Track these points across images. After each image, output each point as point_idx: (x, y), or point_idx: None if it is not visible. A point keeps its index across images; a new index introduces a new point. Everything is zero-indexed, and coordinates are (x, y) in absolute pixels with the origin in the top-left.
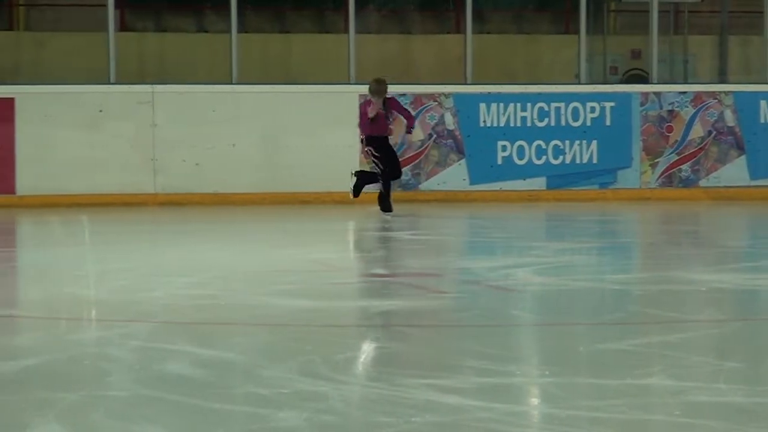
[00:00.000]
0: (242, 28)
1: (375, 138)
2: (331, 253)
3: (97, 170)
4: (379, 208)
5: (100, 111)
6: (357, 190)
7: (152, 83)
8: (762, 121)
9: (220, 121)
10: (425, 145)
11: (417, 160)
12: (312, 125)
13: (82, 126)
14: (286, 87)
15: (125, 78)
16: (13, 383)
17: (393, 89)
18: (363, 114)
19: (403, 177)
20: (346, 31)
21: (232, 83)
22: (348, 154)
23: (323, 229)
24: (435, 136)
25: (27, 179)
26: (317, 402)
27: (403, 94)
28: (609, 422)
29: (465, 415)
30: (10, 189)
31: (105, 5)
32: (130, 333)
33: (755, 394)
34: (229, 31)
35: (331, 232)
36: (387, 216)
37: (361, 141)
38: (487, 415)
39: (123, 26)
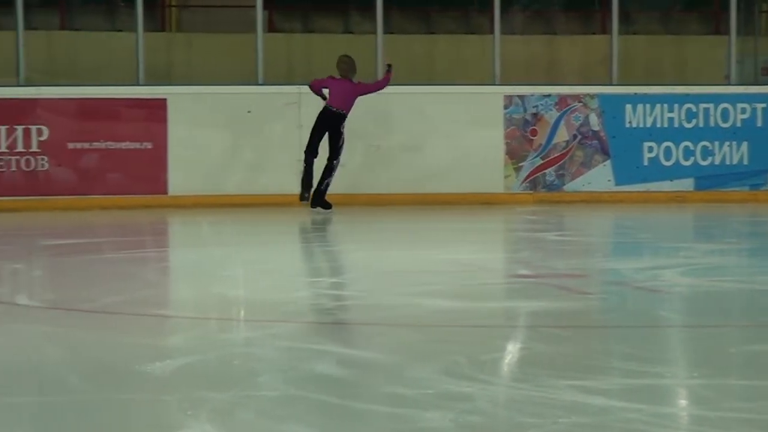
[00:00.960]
0: (388, 29)
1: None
2: (475, 254)
3: (245, 171)
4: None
5: (249, 112)
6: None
7: (299, 84)
8: None
9: (364, 122)
10: (570, 146)
11: (561, 161)
12: (456, 126)
13: (232, 126)
14: (430, 88)
15: (272, 79)
16: (166, 383)
17: (538, 90)
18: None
19: (547, 178)
20: (491, 32)
21: None
22: (492, 155)
23: (467, 230)
24: (580, 137)
25: (178, 180)
26: (463, 402)
27: (548, 95)
28: (760, 424)
29: (611, 416)
30: (163, 189)
31: (254, 6)
32: (277, 333)
33: None
34: (374, 32)
35: (475, 232)
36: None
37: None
38: (634, 416)
39: (271, 27)
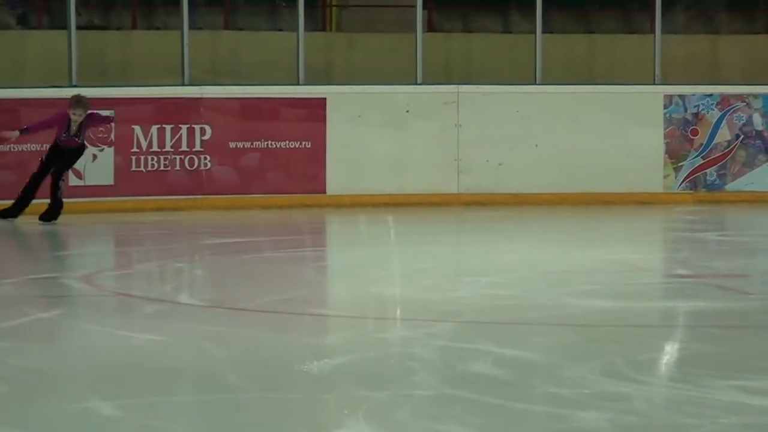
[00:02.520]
0: (547, 29)
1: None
2: (633, 254)
3: (403, 170)
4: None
5: (407, 111)
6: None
7: (457, 83)
8: None
9: (523, 121)
10: (732, 146)
11: (723, 161)
12: (615, 126)
13: (390, 126)
14: (589, 87)
15: (431, 78)
16: (324, 382)
17: (699, 89)
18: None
19: (708, 178)
20: (652, 31)
21: (535, 83)
22: (651, 154)
23: (625, 230)
24: (742, 136)
25: (337, 179)
26: (620, 403)
27: (710, 95)
28: None
29: None
30: (321, 188)
31: (414, 6)
32: (434, 333)
33: None
34: (533, 31)
35: (633, 232)
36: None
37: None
38: None
39: (430, 27)
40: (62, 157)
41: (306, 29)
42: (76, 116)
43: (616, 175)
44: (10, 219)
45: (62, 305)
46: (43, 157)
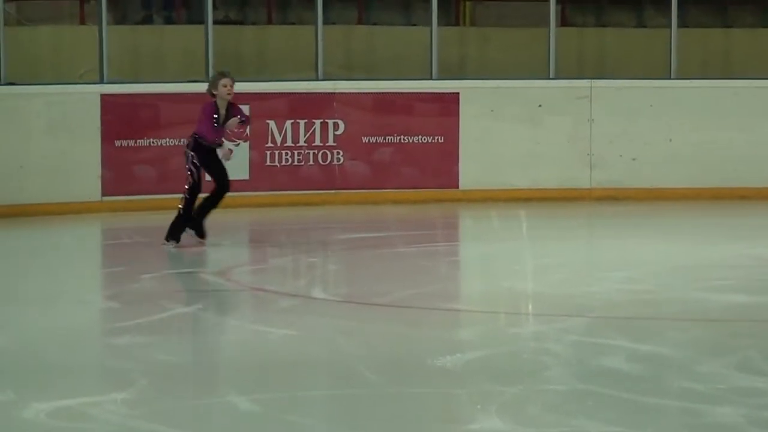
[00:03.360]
0: (682, 23)
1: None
2: (765, 249)
3: (536, 165)
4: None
5: (540, 106)
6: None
7: (590, 78)
8: None
9: (657, 116)
10: None
11: None
12: (752, 120)
13: (523, 121)
14: (725, 81)
15: (564, 73)
16: (457, 377)
17: None
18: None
19: None
20: None
21: (670, 78)
22: None
23: (762, 224)
24: None
25: (470, 173)
26: (756, 398)
27: None
28: None
29: None
30: (454, 183)
31: (547, 0)
32: (567, 327)
33: None
34: (668, 26)
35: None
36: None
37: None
38: None
39: (564, 21)
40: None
41: (439, 24)
42: (229, 94)
43: (753, 169)
44: (172, 242)
45: (200, 300)
46: (190, 166)
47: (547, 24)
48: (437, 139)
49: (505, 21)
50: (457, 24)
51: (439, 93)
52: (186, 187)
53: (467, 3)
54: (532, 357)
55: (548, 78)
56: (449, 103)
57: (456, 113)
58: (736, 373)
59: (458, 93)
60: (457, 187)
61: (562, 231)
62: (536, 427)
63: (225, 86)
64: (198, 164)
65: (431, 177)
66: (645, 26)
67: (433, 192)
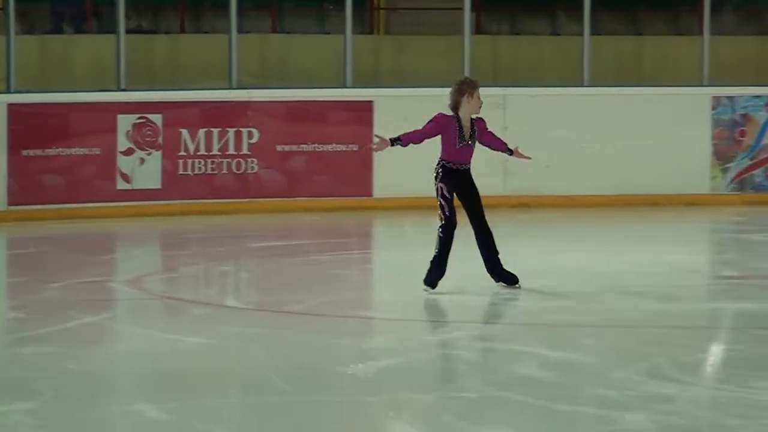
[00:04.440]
0: (595, 31)
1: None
2: (680, 255)
3: None
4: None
5: None
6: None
7: (504, 86)
8: None
9: (570, 123)
10: None
11: None
12: (662, 127)
13: None
14: (637, 89)
15: (479, 80)
16: (369, 384)
17: (748, 90)
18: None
19: (755, 179)
20: (701, 32)
21: (583, 86)
22: (699, 156)
23: (672, 231)
24: None
25: (384, 182)
26: (665, 404)
27: (758, 96)
28: None
29: None
30: (368, 191)
31: (461, 8)
32: (481, 335)
33: None
34: (581, 33)
35: (680, 234)
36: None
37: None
38: None
39: (478, 29)
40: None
41: (354, 32)
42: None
43: (664, 176)
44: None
45: (109, 309)
46: (441, 200)
47: (462, 32)
48: (351, 148)
49: (420, 29)
50: (371, 32)
51: (353, 101)
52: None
53: (381, 11)
54: (446, 364)
55: None
56: (363, 111)
57: (370, 121)
58: (647, 380)
59: (372, 101)
60: (371, 195)
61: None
62: None
63: (470, 104)
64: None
65: (345, 185)
66: (558, 34)
67: (347, 200)
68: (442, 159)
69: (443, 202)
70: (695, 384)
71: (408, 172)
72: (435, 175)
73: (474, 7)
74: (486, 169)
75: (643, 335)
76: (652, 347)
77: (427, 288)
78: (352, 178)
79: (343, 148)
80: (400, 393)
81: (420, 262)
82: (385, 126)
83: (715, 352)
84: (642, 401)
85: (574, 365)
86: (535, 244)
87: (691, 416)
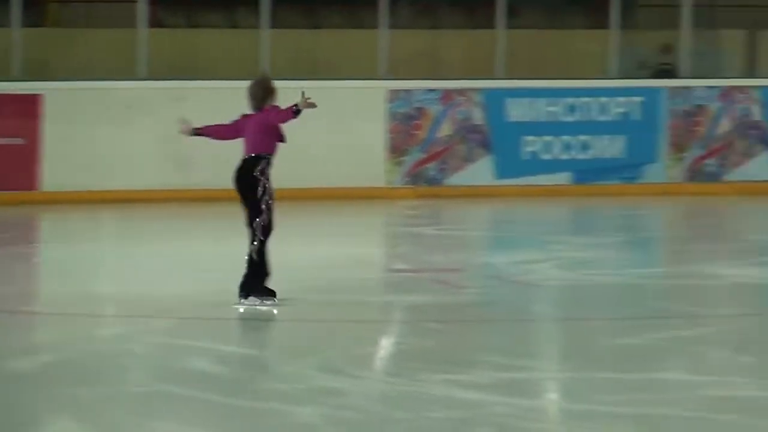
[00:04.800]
0: (273, 24)
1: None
2: (353, 249)
3: (126, 167)
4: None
5: (128, 107)
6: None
7: (183, 79)
8: None
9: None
10: (452, 141)
11: (443, 156)
12: (338, 121)
13: (111, 122)
14: (313, 82)
15: (157, 74)
16: (31, 380)
17: (423, 84)
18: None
19: (429, 172)
20: (378, 26)
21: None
22: (374, 149)
23: (347, 225)
24: (462, 131)
25: (52, 176)
26: (335, 398)
27: (433, 90)
28: (626, 417)
29: (482, 410)
30: (35, 185)
31: (137, 1)
32: (150, 329)
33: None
34: (259, 26)
35: (354, 227)
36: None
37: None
38: (505, 410)
39: (155, 22)
40: None
41: (24, 24)
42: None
43: (340, 170)
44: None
45: None
46: (261, 194)
47: (137, 25)
48: (18, 141)
49: (94, 22)
50: (42, 25)
51: (22, 94)
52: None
53: (52, 3)
54: (113, 359)
55: (139, 79)
56: (31, 104)
57: (38, 115)
58: (318, 373)
59: (42, 95)
60: (39, 189)
61: (150, 233)
62: (116, 431)
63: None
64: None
65: (11, 179)
66: (237, 27)
67: (14, 194)
68: (267, 154)
69: (271, 203)
70: (366, 377)
71: (79, 166)
72: (260, 172)
73: (150, 1)
74: (165, 164)
75: (315, 328)
76: (324, 341)
77: (266, 299)
78: (18, 171)
79: (8, 141)
80: (64, 388)
81: (89, 255)
82: (54, 119)
83: (386, 345)
84: (313, 395)
85: (246, 360)
86: (214, 237)
87: (363, 410)
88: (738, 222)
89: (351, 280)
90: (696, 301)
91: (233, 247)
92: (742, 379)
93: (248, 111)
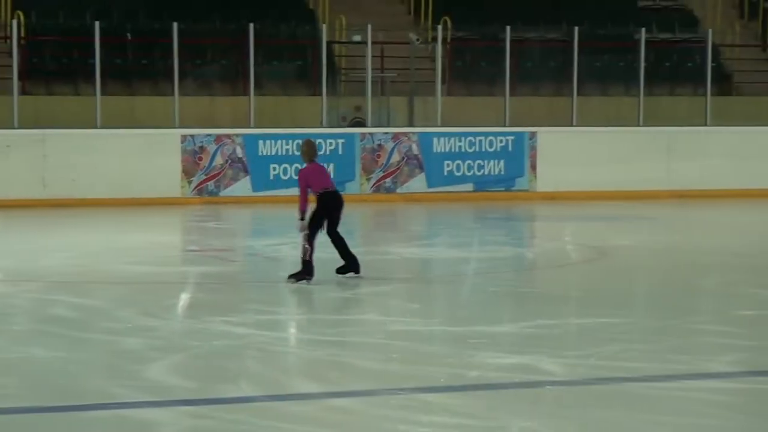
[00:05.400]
0: (104, 92)
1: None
2: (160, 237)
3: None
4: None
5: None
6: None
7: None
8: (434, 150)
9: None
10: (224, 167)
11: (219, 176)
12: (151, 153)
13: None
14: (131, 130)
15: None
16: None
17: (205, 131)
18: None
19: (209, 187)
20: (173, 93)
21: None
22: (175, 172)
23: (153, 222)
24: (230, 161)
25: None
26: (151, 332)
27: (210, 135)
28: (335, 342)
29: (250, 339)
30: None
31: (11, 78)
32: (29, 289)
33: (430, 324)
34: (94, 93)
35: (159, 223)
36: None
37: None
38: (264, 339)
39: None
40: None
41: None
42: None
43: (150, 184)
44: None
45: None
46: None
47: (12, 93)
48: None
49: None
50: None
51: None
52: None
53: None
54: (2, 309)
55: (14, 128)
56: None
57: None
58: (141, 317)
59: None
60: None
61: (22, 228)
62: (6, 353)
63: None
64: None
65: None
66: (79, 94)
67: None
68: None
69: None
70: (171, 319)
71: None
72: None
73: (20, 76)
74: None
75: (136, 288)
76: (144, 295)
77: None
78: None
79: None
80: None
81: None
82: None
83: (184, 298)
84: (135, 330)
85: (90, 308)
86: (63, 232)
87: (169, 340)
88: (405, 220)
89: (159, 257)
90: (381, 269)
91: (80, 237)
92: (411, 319)
93: None
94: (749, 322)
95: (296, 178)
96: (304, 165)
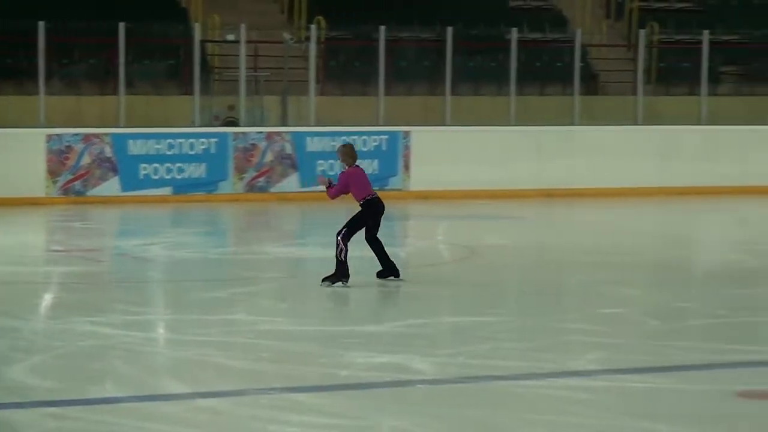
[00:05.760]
0: None
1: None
2: (21, 237)
3: None
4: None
5: None
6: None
7: None
8: (308, 149)
9: None
10: (91, 166)
11: (86, 176)
12: (17, 152)
13: None
14: (3, 130)
15: None
16: None
17: (74, 130)
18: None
19: (76, 187)
20: (39, 93)
21: None
22: (39, 172)
23: (19, 222)
24: (97, 160)
25: None
26: (13, 333)
27: (77, 134)
28: (211, 343)
29: (115, 340)
30: None
31: None
32: None
33: (298, 324)
34: None
35: (20, 223)
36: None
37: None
38: (130, 340)
39: None
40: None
41: None
42: None
43: (14, 184)
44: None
45: None
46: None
47: None
48: None
49: None
50: None
51: None
52: None
53: None
54: None
55: None
56: None
57: None
58: (1, 318)
59: None
60: None
61: None
62: None
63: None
64: None
65: None
66: None
67: None
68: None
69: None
70: (34, 320)
71: None
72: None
73: None
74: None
75: (2, 289)
76: (8, 297)
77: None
78: None
79: None
80: None
81: None
82: None
83: (47, 298)
84: None
85: None
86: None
87: (32, 341)
88: (278, 219)
89: (21, 257)
90: (252, 269)
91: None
92: (281, 318)
93: None
94: (612, 320)
95: (167, 177)
96: (345, 168)
